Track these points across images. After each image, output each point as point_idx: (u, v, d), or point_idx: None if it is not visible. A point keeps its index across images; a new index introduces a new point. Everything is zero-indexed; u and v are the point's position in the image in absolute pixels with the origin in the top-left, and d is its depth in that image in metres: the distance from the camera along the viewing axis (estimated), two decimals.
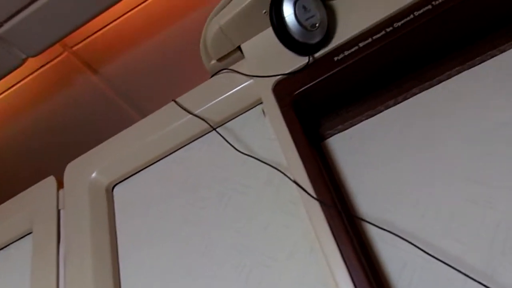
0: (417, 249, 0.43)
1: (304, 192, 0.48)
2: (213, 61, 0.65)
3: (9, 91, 0.90)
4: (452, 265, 0.42)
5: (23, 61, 0.79)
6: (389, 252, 0.47)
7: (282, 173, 0.53)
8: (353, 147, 0.55)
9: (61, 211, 0.67)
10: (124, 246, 0.62)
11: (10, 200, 0.73)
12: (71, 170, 0.69)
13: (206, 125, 0.62)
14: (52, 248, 0.63)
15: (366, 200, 0.51)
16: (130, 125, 0.69)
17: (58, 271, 0.61)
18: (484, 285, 0.40)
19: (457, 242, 0.45)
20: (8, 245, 0.71)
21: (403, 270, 0.45)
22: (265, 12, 0.58)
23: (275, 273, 0.50)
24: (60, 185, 0.69)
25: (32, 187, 0.72)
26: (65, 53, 0.87)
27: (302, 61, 0.56)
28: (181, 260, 0.57)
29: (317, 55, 0.55)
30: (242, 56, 0.63)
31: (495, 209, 0.45)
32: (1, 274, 0.69)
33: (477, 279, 0.41)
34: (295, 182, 0.49)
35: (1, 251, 0.71)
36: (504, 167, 0.47)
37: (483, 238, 0.44)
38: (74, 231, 0.63)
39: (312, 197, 0.47)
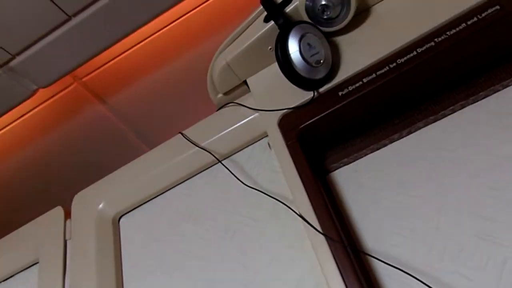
0: (423, 285, 0.43)
1: (309, 226, 0.48)
2: (220, 95, 0.66)
3: (18, 121, 0.91)
4: None
5: (34, 92, 0.81)
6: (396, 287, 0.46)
7: (287, 206, 0.53)
8: (358, 180, 0.55)
9: (68, 242, 0.67)
10: (130, 277, 0.62)
11: (17, 230, 0.73)
12: (79, 200, 0.70)
13: (212, 158, 0.63)
14: (58, 279, 0.63)
15: (372, 234, 0.51)
16: (138, 155, 0.70)
17: None
18: None
19: (465, 278, 0.44)
20: (14, 275, 0.71)
21: None
22: (270, 49, 0.59)
23: None
24: (67, 215, 0.70)
25: (40, 217, 0.72)
26: (75, 84, 0.89)
27: (307, 95, 0.56)
28: None
29: (321, 90, 0.56)
30: (248, 90, 0.64)
31: (501, 244, 0.44)
32: None
33: None
34: (300, 215, 0.49)
35: (7, 281, 0.71)
36: (509, 201, 0.46)
37: (491, 274, 0.43)
38: (80, 262, 0.63)
39: (318, 231, 0.47)
